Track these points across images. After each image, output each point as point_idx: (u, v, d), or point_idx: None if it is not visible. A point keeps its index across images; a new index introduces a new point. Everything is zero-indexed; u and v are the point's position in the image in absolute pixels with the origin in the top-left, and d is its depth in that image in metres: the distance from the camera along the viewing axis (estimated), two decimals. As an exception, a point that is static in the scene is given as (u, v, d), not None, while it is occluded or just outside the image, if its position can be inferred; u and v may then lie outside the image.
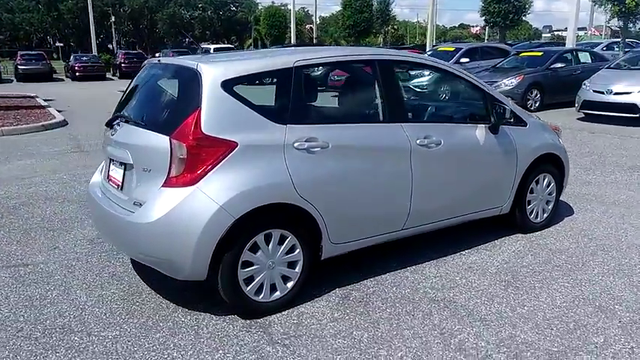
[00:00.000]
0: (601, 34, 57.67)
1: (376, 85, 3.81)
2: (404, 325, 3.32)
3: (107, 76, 31.33)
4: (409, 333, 3.22)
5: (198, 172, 3.11)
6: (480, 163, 4.37)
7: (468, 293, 3.73)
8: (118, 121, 3.66)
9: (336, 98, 4.01)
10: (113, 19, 56.31)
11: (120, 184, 3.55)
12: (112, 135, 3.64)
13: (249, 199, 3.19)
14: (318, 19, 47.82)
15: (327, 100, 3.93)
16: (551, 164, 4.92)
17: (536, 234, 4.88)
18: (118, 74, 30.63)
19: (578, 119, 11.67)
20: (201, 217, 3.09)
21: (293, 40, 33.71)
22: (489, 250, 4.52)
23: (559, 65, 13.60)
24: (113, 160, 3.70)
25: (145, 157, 3.30)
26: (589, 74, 12.88)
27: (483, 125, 4.34)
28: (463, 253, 4.45)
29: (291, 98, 3.43)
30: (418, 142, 3.88)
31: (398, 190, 3.86)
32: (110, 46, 60.23)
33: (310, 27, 52.91)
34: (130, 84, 3.99)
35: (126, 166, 3.49)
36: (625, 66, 12.22)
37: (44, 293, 3.77)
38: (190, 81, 3.24)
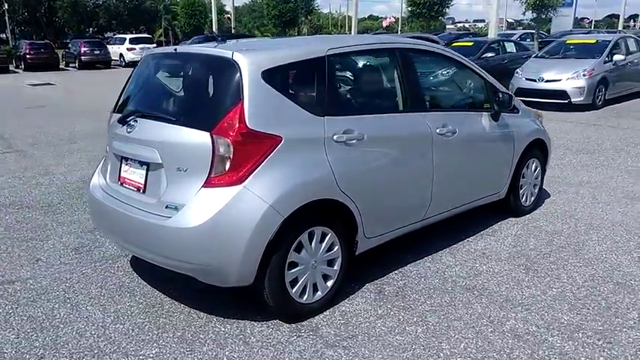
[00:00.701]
0: (501, 27, 61.30)
1: (402, 74, 3.74)
2: (451, 316, 3.30)
3: (10, 68, 28.71)
4: (460, 324, 3.21)
5: (245, 169, 2.89)
6: (486, 150, 4.46)
7: (495, 279, 3.79)
8: (133, 117, 3.31)
9: (365, 88, 3.89)
10: (6, 7, 51.65)
11: (141, 186, 3.22)
12: (129, 132, 3.28)
13: (297, 197, 3.02)
14: (232, 10, 46.58)
15: (354, 89, 3.79)
16: (538, 149, 5.11)
17: (526, 217, 5.06)
18: (22, 66, 28.10)
19: (511, 106, 12.31)
20: (250, 218, 2.87)
21: (215, 30, 32.70)
22: (492, 236, 4.61)
23: (489, 55, 14.23)
24: (127, 160, 3.35)
25: (179, 155, 3.01)
26: (515, 63, 13.66)
27: (487, 113, 4.41)
28: (470, 239, 4.52)
29: (327, 89, 3.27)
30: (438, 131, 3.87)
31: (423, 180, 3.84)
32: (3, 35, 55.26)
33: (229, 17, 51.71)
34: (132, 77, 3.64)
35: (149, 166, 3.18)
36: (549, 56, 13.03)
37: (49, 312, 3.36)
38: (227, 72, 3.00)
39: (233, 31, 40.84)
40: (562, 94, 11.45)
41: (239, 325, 3.18)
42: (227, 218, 2.86)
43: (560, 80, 11.52)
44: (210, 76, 3.10)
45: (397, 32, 45.47)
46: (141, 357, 2.88)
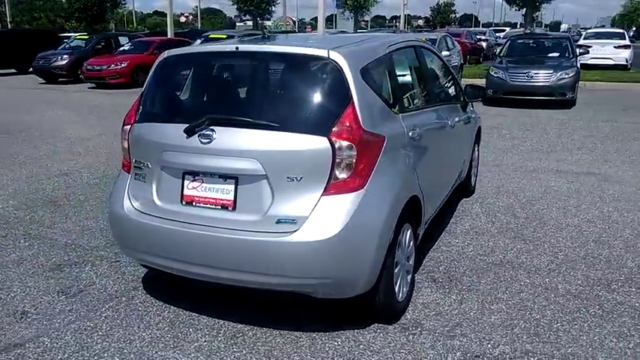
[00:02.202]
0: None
1: (424, 70, 3.91)
2: (511, 289, 3.60)
3: None
4: (524, 294, 3.53)
5: (365, 173, 2.77)
6: (464, 137, 4.89)
7: (509, 253, 4.21)
8: (203, 126, 2.86)
9: (410, 84, 3.92)
10: None
11: (229, 202, 2.83)
12: (205, 143, 2.83)
13: (403, 196, 3.03)
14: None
15: (406, 86, 3.83)
16: (477, 134, 5.75)
17: (475, 197, 5.65)
18: None
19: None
20: (376, 223, 2.79)
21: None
22: (468, 215, 5.08)
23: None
24: (196, 176, 2.91)
25: (290, 164, 2.73)
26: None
27: (459, 105, 4.84)
28: (453, 221, 4.90)
29: (396, 86, 3.30)
30: (449, 122, 4.15)
31: (444, 168, 4.10)
32: None
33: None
34: (161, 80, 3.17)
35: (237, 180, 2.81)
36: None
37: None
38: (327, 71, 2.82)
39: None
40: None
41: (333, 336, 3.01)
42: (357, 226, 2.72)
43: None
44: (307, 77, 2.89)
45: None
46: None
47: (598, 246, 4.32)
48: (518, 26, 48.43)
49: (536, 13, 26.87)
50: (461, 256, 4.13)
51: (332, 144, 2.69)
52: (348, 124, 2.72)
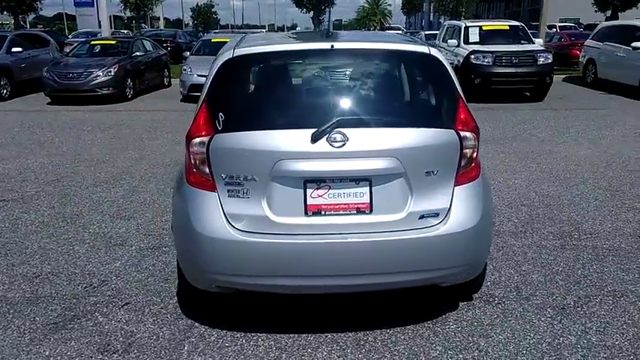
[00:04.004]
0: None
1: None
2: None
3: None
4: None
5: (478, 162, 2.99)
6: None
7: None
8: (329, 129, 2.67)
9: None
10: None
11: (366, 205, 2.74)
12: (339, 147, 2.66)
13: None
14: None
15: None
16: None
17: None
18: None
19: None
20: (491, 207, 3.05)
21: None
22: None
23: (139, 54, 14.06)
24: (322, 182, 2.72)
25: (428, 159, 2.77)
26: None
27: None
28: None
29: None
30: None
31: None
32: None
33: None
34: (275, 82, 2.85)
35: (371, 181, 2.74)
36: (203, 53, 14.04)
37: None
38: (433, 67, 2.94)
39: None
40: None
41: (458, 319, 3.20)
42: (486, 212, 2.94)
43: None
44: (418, 73, 2.95)
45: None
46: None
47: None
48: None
49: (322, 16, 29.18)
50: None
51: (459, 135, 2.83)
52: (463, 117, 2.89)
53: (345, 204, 2.75)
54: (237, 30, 37.28)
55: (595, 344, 2.95)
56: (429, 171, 2.79)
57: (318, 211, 2.74)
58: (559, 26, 29.42)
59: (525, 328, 3.11)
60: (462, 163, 2.87)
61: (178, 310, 3.35)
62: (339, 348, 2.93)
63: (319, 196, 2.74)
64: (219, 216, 2.75)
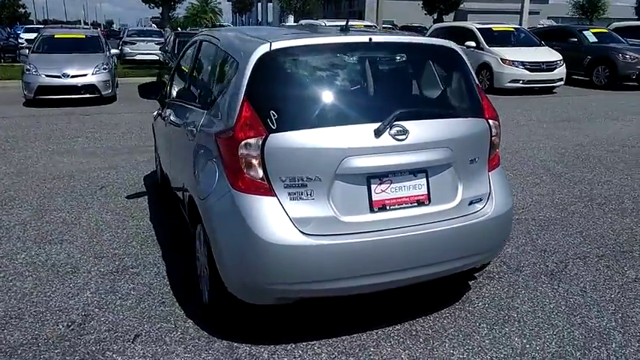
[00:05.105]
0: None
1: None
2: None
3: None
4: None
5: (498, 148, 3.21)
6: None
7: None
8: (390, 123, 2.63)
9: None
10: None
11: (424, 196, 2.77)
12: (401, 140, 2.63)
13: None
14: None
15: None
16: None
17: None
18: None
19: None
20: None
21: None
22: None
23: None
24: (384, 177, 2.69)
25: (471, 147, 2.91)
26: None
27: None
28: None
29: None
30: None
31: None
32: None
33: None
34: (321, 76, 2.70)
35: (427, 172, 2.79)
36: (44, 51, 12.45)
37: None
38: (457, 60, 3.10)
39: None
40: (93, 87, 11.54)
41: (482, 296, 3.40)
42: (511, 195, 3.18)
43: (86, 75, 11.52)
44: (448, 65, 3.06)
45: None
46: None
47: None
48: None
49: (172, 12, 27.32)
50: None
51: (488, 124, 3.02)
52: (488, 106, 3.09)
53: (406, 197, 2.76)
54: (83, 26, 33.74)
55: (598, 300, 3.38)
56: (472, 159, 2.94)
57: (382, 207, 2.71)
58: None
59: (538, 295, 3.43)
60: (491, 151, 3.06)
61: (203, 332, 3.01)
62: (397, 341, 2.93)
63: (382, 191, 2.71)
64: (286, 221, 2.56)
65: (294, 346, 2.89)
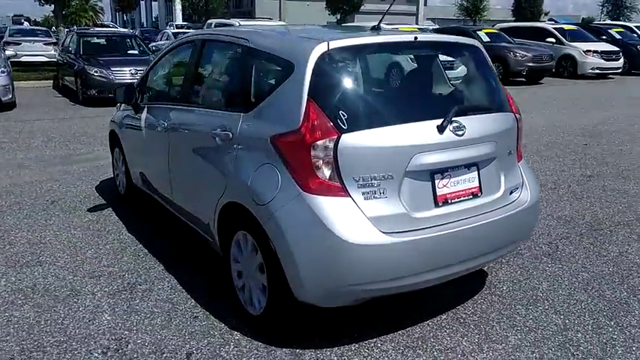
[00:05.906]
0: None
1: None
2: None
3: None
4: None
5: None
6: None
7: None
8: (449, 118, 2.71)
9: None
10: None
11: (476, 189, 2.89)
12: (460, 135, 2.72)
13: None
14: None
15: None
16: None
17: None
18: None
19: None
20: None
21: None
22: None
23: None
24: (444, 172, 2.77)
25: (508, 140, 3.08)
26: None
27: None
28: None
29: None
30: None
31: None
32: None
33: None
34: (377, 74, 2.66)
35: (478, 165, 2.91)
36: None
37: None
38: (484, 57, 3.24)
39: None
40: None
41: (501, 281, 3.59)
42: None
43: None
44: (481, 62, 3.18)
45: None
46: None
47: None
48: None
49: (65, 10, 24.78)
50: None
51: (516, 118, 3.22)
52: (512, 101, 3.29)
53: (462, 190, 2.86)
54: None
55: (601, 274, 3.73)
56: (510, 151, 3.11)
57: (445, 201, 2.79)
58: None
59: (550, 275, 3.71)
60: (518, 142, 3.27)
61: (257, 342, 2.89)
62: (452, 329, 3.03)
63: (444, 185, 2.79)
64: (364, 221, 2.54)
65: (357, 345, 2.87)
